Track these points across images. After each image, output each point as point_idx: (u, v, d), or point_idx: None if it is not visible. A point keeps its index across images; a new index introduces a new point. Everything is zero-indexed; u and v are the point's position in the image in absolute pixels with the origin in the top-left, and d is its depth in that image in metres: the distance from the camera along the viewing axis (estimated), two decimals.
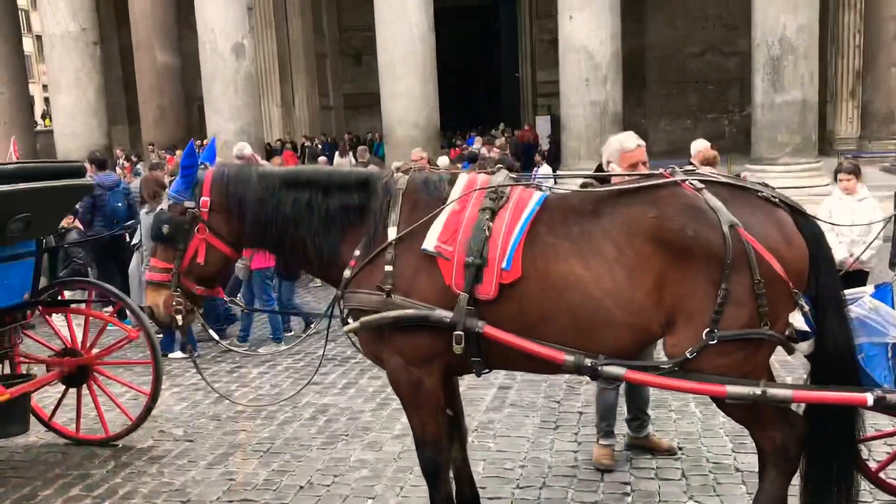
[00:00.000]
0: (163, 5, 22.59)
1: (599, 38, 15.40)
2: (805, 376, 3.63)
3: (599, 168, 4.92)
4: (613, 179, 3.89)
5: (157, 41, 22.39)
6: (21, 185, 4.62)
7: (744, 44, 20.22)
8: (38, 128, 31.61)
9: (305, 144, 24.05)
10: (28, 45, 37.46)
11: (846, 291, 3.44)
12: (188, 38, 22.69)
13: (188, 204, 3.60)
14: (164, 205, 3.68)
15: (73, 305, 5.94)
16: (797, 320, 3.23)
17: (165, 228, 3.59)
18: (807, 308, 3.23)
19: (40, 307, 5.51)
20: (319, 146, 24.46)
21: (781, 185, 11.74)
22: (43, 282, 5.59)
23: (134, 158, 19.22)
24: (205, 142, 20.96)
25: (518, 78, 30.86)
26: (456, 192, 3.57)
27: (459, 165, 14.35)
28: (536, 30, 28.51)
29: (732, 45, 25.07)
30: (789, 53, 14.28)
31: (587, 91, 15.59)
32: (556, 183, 5.19)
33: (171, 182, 4.13)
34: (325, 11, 29.46)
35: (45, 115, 41.24)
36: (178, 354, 7.80)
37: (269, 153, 20.92)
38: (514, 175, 3.77)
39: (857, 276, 5.93)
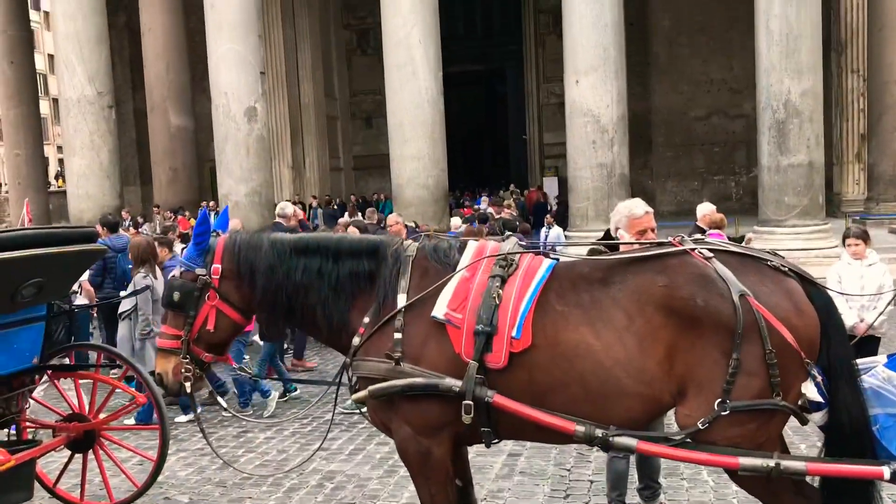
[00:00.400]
0: (177, 70, 23.07)
1: (605, 101, 15.60)
2: (819, 443, 3.58)
3: (608, 234, 4.94)
4: (622, 247, 3.90)
5: (171, 105, 22.81)
6: (34, 251, 4.66)
7: (748, 107, 20.52)
8: (52, 188, 32.03)
9: (312, 205, 24.20)
10: (44, 107, 38.23)
11: (859, 361, 3.41)
12: (201, 101, 23.14)
13: (199, 271, 3.63)
14: (176, 272, 3.72)
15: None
16: (810, 391, 3.20)
17: (176, 295, 3.62)
18: (819, 378, 3.20)
19: (48, 371, 5.50)
20: (335, 206, 24.66)
21: (790, 248, 11.78)
22: None
23: (140, 219, 19.32)
24: (211, 204, 21.24)
25: (525, 140, 31.25)
26: (465, 260, 3.59)
27: (469, 224, 14.46)
28: (543, 93, 29.00)
29: (737, 108, 25.42)
30: (794, 117, 14.43)
31: (594, 153, 15.73)
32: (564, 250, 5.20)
33: (183, 248, 4.17)
34: (336, 76, 30.02)
35: (59, 175, 41.81)
36: (183, 418, 7.74)
37: None
38: (523, 242, 3.79)
39: (869, 342, 5.89)
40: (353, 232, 7.64)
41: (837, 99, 22.24)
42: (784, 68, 14.37)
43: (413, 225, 13.51)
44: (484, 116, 40.47)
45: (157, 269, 8.07)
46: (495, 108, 39.52)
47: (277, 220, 10.49)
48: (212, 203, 21.55)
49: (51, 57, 38.84)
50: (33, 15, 34.32)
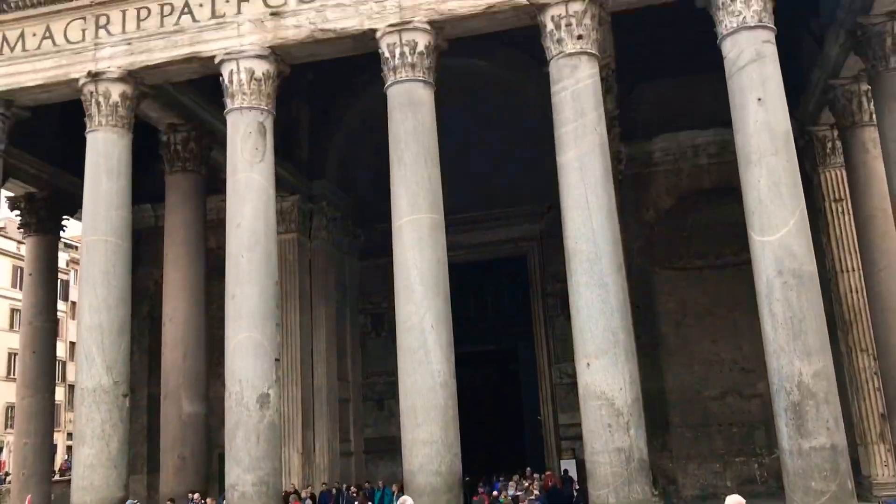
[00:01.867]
0: (194, 357, 23.44)
1: (618, 384, 15.56)
2: None
3: None
4: None
5: (184, 391, 22.88)
6: None
7: (762, 386, 20.45)
8: (56, 478, 31.30)
9: (305, 497, 23.19)
10: (59, 393, 38.51)
11: None
12: (215, 386, 23.29)
13: None
14: None
15: None
16: None
17: None
18: None
19: None
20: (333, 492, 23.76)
21: None
22: None
23: None
24: (196, 496, 20.38)
25: (540, 420, 30.85)
26: None
27: None
28: (555, 373, 29.21)
29: (751, 387, 25.33)
30: (809, 398, 14.27)
31: (611, 437, 15.41)
32: None
33: None
34: (349, 359, 30.44)
35: (65, 464, 41.09)
36: None
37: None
38: None
39: None
40: None
41: (851, 378, 22.21)
42: (793, 350, 14.48)
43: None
44: (497, 396, 40.34)
45: None
46: (509, 386, 39.53)
47: None
48: (196, 496, 20.74)
49: (72, 344, 39.90)
50: (60, 305, 35.79)
